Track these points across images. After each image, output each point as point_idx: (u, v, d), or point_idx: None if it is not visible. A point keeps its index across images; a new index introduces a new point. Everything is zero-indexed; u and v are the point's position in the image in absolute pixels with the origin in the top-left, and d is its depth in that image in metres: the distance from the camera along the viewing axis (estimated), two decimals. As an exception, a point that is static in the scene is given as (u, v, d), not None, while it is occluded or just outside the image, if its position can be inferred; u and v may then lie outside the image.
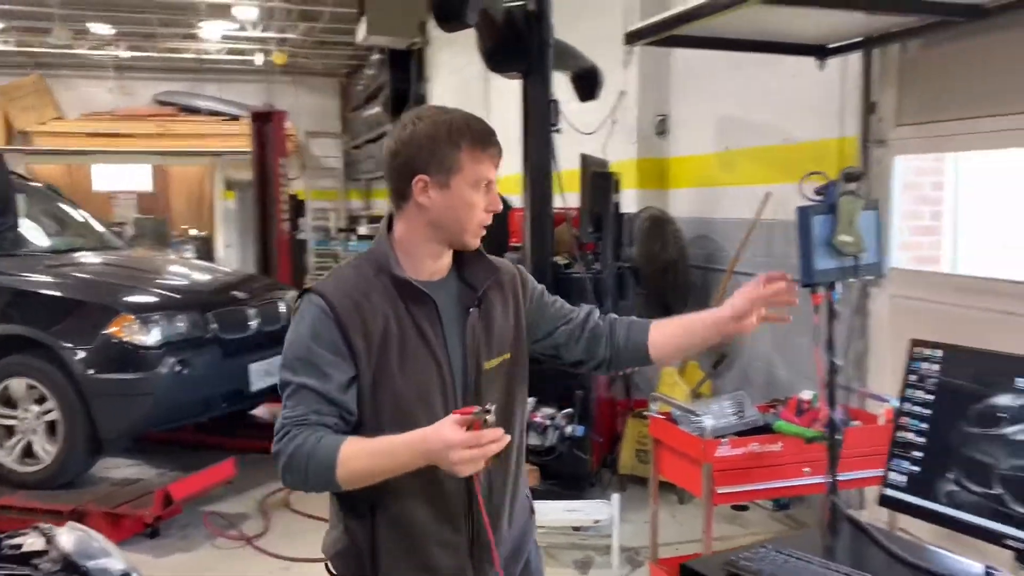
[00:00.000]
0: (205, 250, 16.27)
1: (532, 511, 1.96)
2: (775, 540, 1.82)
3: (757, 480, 3.12)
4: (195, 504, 4.78)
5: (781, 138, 4.89)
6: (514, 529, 1.85)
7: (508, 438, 1.51)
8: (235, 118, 15.30)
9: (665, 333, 1.86)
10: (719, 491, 3.11)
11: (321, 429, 1.62)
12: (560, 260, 5.25)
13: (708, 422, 3.17)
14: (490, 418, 1.48)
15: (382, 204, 15.37)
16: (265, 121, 6.91)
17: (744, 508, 4.63)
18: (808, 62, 4.21)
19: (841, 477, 3.01)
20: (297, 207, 7.70)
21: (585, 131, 6.24)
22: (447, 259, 1.78)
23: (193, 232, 16.68)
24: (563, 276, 5.09)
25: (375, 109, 13.37)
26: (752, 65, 4.84)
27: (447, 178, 1.68)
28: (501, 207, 1.77)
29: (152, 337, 4.66)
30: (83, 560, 2.30)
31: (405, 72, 11.38)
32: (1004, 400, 1.57)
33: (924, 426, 1.68)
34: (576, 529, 4.37)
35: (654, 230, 5.64)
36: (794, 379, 4.56)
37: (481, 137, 1.70)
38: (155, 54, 14.60)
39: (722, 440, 3.12)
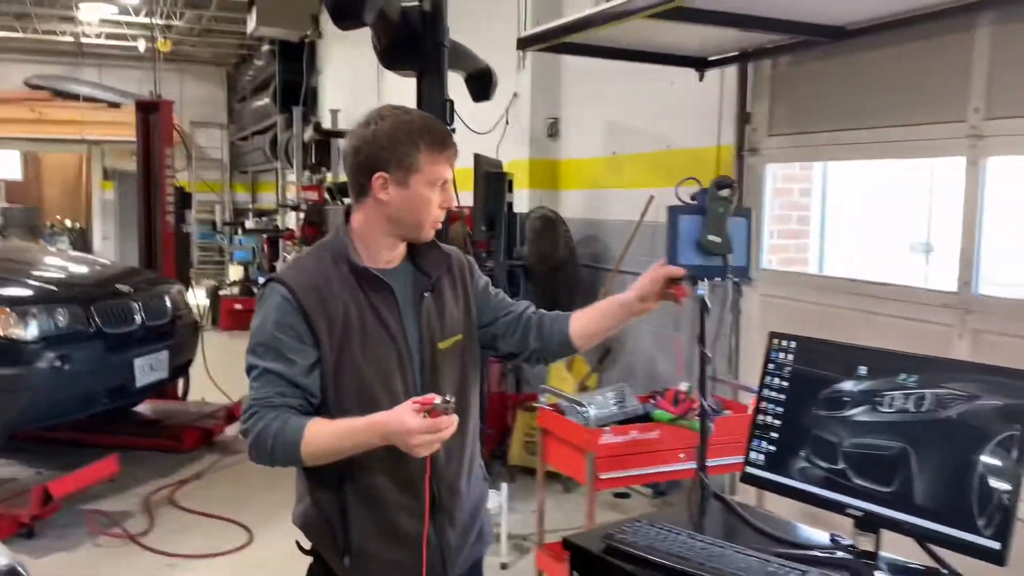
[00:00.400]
0: (81, 242, 15.57)
1: (486, 479, 2.10)
2: (649, 516, 1.98)
3: (637, 466, 3.31)
4: (76, 502, 4.64)
5: (664, 144, 5.15)
6: (472, 496, 1.99)
7: (456, 422, 1.64)
8: (115, 105, 14.70)
9: (584, 321, 2.03)
10: (602, 477, 3.29)
11: (286, 410, 1.75)
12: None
13: (592, 412, 3.34)
14: (450, 408, 1.60)
15: (269, 197, 15.07)
16: (151, 110, 6.72)
17: (625, 496, 4.86)
18: (689, 73, 4.46)
19: (713, 463, 3.23)
20: (183, 199, 7.48)
21: (479, 131, 6.36)
22: (402, 248, 1.91)
23: (68, 223, 15.94)
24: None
25: (263, 100, 13.13)
26: (638, 74, 5.07)
27: (406, 176, 1.79)
28: (455, 204, 1.93)
29: (30, 331, 4.50)
30: (-36, 556, 2.25)
31: (296, 64, 11.23)
32: (847, 386, 1.77)
33: (780, 410, 1.87)
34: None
35: (545, 230, 5.82)
36: (673, 372, 4.81)
37: (439, 139, 1.82)
38: (28, 35, 13.87)
39: (605, 429, 3.30)
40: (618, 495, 4.81)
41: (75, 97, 15.08)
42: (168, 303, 5.52)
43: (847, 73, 3.89)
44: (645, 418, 3.44)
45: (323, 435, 1.71)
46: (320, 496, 1.87)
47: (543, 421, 3.68)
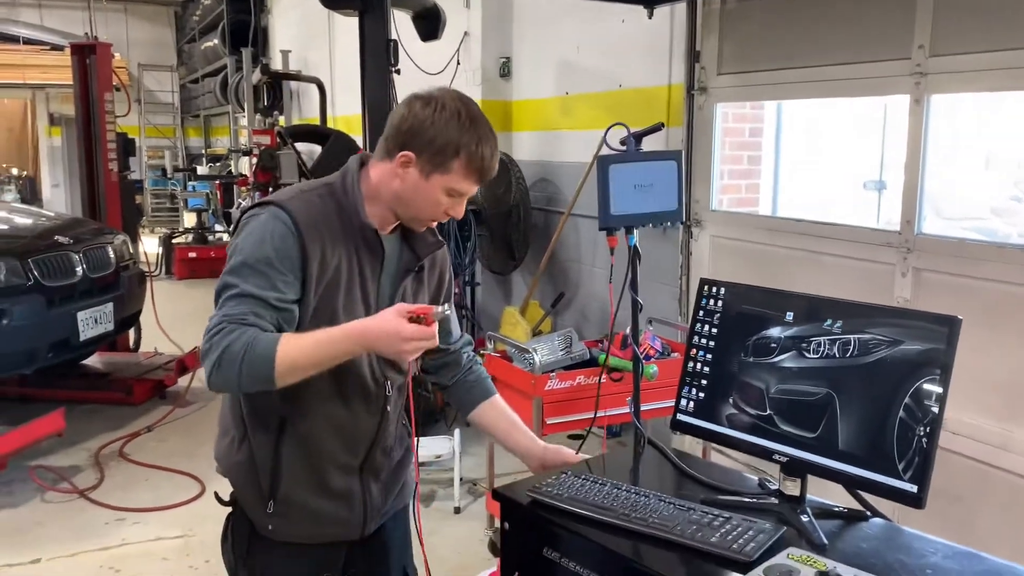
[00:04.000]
0: (29, 191, 15.18)
1: (409, 435, 2.09)
2: (578, 465, 1.97)
3: (583, 410, 3.32)
4: (23, 459, 4.57)
5: (616, 84, 5.06)
6: (397, 454, 2.02)
7: (434, 333, 1.65)
8: (59, 48, 14.16)
9: (490, 417, 2.10)
10: (548, 422, 3.29)
11: (258, 329, 1.63)
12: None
13: (538, 358, 3.33)
14: (446, 313, 1.69)
15: (223, 142, 14.72)
16: (88, 53, 6.44)
17: (580, 437, 4.88)
18: (639, 11, 4.36)
19: (657, 405, 3.27)
20: (126, 145, 7.24)
21: (429, 71, 6.22)
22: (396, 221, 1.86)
23: (14, 171, 15.49)
24: (406, 218, 5.11)
25: (212, 41, 12.74)
26: (588, 12, 4.96)
27: (431, 172, 1.74)
28: (460, 216, 1.85)
29: (-35, 286, 4.38)
30: None
31: (244, 3, 10.86)
32: (775, 332, 1.75)
33: (709, 357, 1.85)
34: (421, 464, 4.50)
35: (498, 173, 5.74)
36: (627, 317, 4.80)
37: (483, 160, 1.74)
38: (-39, -26, 13.26)
39: (551, 374, 3.29)
40: (573, 436, 4.84)
41: (16, 40, 14.52)
42: (112, 254, 5.38)
43: (795, 10, 3.82)
44: (592, 363, 3.44)
45: (300, 346, 1.62)
46: (257, 439, 1.84)
47: (490, 368, 3.65)
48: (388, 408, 1.92)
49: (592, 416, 3.37)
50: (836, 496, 1.78)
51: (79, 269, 4.99)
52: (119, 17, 14.60)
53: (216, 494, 1.96)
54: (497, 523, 3.72)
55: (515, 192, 5.67)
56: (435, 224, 1.88)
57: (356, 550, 1.98)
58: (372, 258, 1.81)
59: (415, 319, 1.62)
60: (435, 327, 1.65)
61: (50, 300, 4.77)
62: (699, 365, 1.87)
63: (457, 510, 4.14)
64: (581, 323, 5.25)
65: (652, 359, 3.42)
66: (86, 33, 6.83)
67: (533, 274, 5.58)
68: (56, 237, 5.08)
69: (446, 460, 4.33)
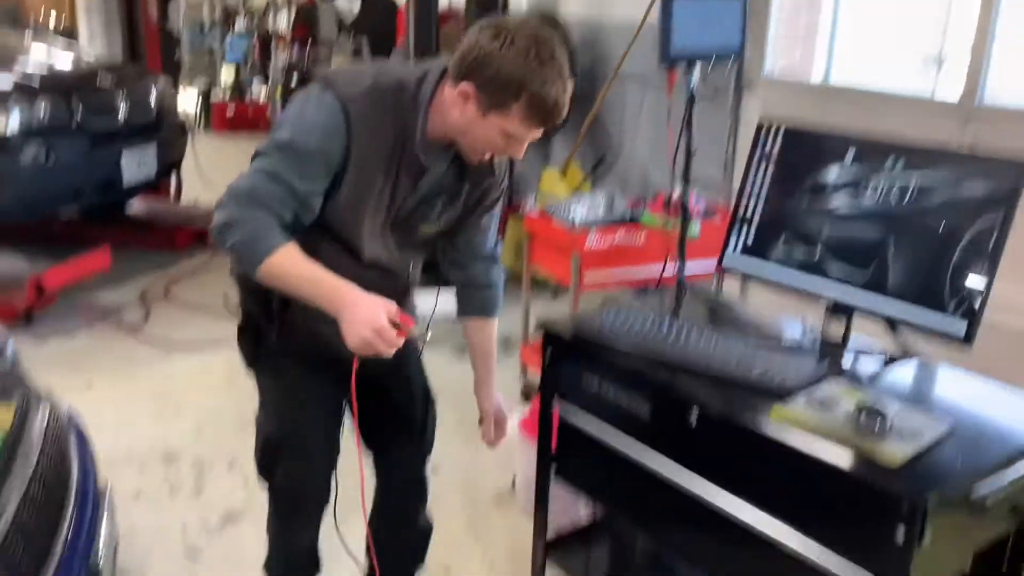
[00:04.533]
0: (66, 41, 15.02)
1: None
2: (622, 302, 2.00)
3: (622, 265, 3.33)
4: (71, 295, 4.72)
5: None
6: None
7: (398, 346, 1.64)
8: None
9: (472, 336, 2.14)
10: (587, 279, 3.32)
11: (272, 220, 1.65)
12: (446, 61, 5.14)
13: (579, 214, 3.32)
14: (415, 332, 1.66)
15: (262, -3, 14.35)
16: None
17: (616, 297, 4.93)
18: None
19: (696, 263, 3.27)
20: (165, -6, 7.11)
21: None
22: None
23: (52, 22, 15.30)
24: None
25: None
26: None
27: (488, 109, 1.64)
28: (517, 157, 1.76)
29: (11, 123, 4.39)
30: (-48, 328, 2.28)
31: None
32: (833, 173, 1.73)
33: (763, 199, 1.84)
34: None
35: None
36: (667, 180, 4.75)
37: (545, 106, 1.61)
38: None
39: (591, 230, 3.29)
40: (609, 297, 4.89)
41: None
42: (153, 98, 5.36)
43: None
44: (634, 221, 3.43)
45: (287, 270, 1.66)
46: (254, 309, 1.92)
47: (530, 225, 3.67)
48: (408, 278, 2.00)
49: (631, 274, 3.41)
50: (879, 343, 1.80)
51: (122, 110, 4.99)
52: None
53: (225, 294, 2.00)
54: (530, 372, 3.83)
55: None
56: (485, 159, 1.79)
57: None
58: (411, 174, 1.77)
59: (395, 324, 1.62)
60: (399, 340, 1.62)
61: (94, 140, 4.78)
62: (752, 206, 1.86)
63: (490, 363, 4.24)
64: (622, 187, 5.19)
65: (695, 218, 3.40)
66: None
67: (574, 137, 5.50)
68: (99, 78, 5.06)
69: (481, 316, 4.38)
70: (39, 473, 1.72)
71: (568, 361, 1.87)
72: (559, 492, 2.03)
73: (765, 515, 1.44)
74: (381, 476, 2.18)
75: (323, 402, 2.02)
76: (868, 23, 4.76)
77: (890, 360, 1.73)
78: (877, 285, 1.63)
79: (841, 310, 1.71)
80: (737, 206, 1.88)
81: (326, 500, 2.14)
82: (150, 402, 3.70)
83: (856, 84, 4.04)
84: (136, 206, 6.17)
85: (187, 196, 6.57)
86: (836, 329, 1.73)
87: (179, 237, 5.74)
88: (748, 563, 1.53)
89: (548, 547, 2.00)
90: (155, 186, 5.88)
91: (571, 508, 2.59)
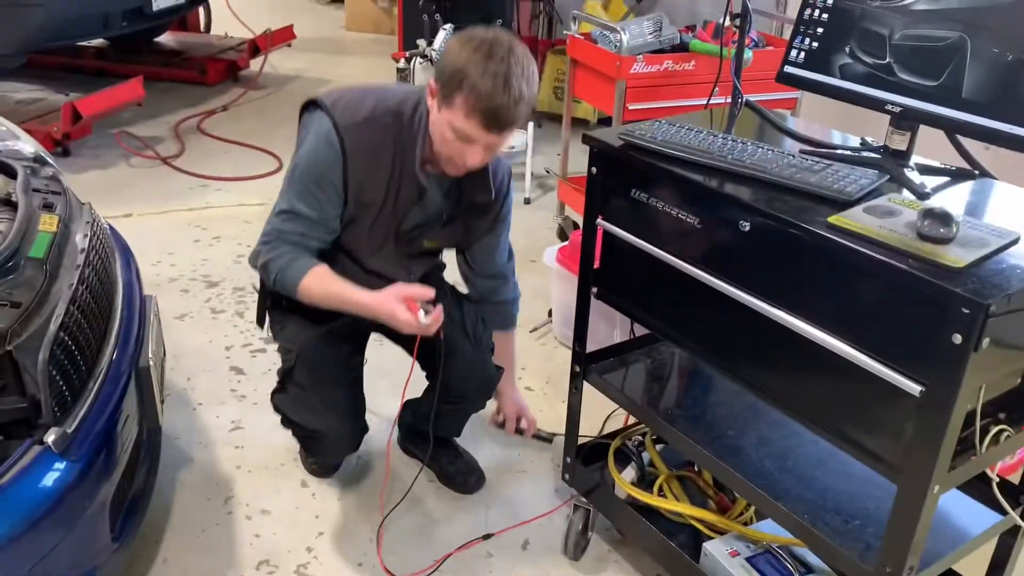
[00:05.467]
0: None
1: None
2: (671, 116, 1.91)
3: (668, 98, 3.20)
4: (106, 126, 4.69)
5: None
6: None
7: (442, 318, 1.78)
8: None
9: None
10: (630, 107, 3.20)
11: (299, 250, 1.86)
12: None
13: (625, 39, 3.16)
14: (428, 312, 1.75)
15: None
16: None
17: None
18: None
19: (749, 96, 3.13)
20: None
21: None
22: None
23: None
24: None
25: None
26: None
27: (441, 102, 1.72)
28: (470, 166, 1.78)
29: (34, -57, 4.23)
30: (-9, 143, 2.26)
31: None
32: (910, -30, 1.59)
33: (829, 2, 1.71)
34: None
35: None
36: (718, 12, 4.51)
37: (484, 102, 1.65)
38: None
39: (637, 57, 3.14)
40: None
41: None
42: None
43: None
44: (682, 48, 3.27)
45: (318, 289, 1.83)
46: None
47: (573, 50, 3.52)
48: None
49: (678, 105, 3.28)
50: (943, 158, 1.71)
51: (148, -68, 4.78)
52: None
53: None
54: (567, 210, 3.78)
55: None
56: (459, 174, 1.85)
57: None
58: (412, 194, 1.88)
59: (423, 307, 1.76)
60: (430, 321, 1.74)
61: (121, -36, 4.63)
62: (816, 11, 1.73)
63: (527, 200, 4.19)
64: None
65: (748, 32, 3.22)
66: None
67: (618, -31, 5.20)
68: None
69: (518, 153, 4.31)
70: (86, 277, 1.73)
71: (614, 175, 1.80)
72: (596, 324, 2.02)
73: (814, 327, 1.41)
74: (443, 370, 2.07)
75: (337, 333, 2.04)
76: None
77: (956, 176, 1.65)
78: (950, 94, 1.52)
79: (907, 120, 1.61)
80: (802, 10, 1.75)
81: (349, 441, 2.16)
82: (189, 231, 3.73)
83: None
84: (165, 37, 6.03)
85: (216, 28, 6.41)
86: (900, 142, 1.64)
87: (211, 69, 5.63)
88: (794, 376, 1.51)
89: (588, 361, 2.01)
90: (185, 15, 5.73)
91: (606, 337, 2.60)
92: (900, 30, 1.60)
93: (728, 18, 2.29)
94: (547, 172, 4.33)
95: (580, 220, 2.01)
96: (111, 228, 2.24)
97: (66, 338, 1.58)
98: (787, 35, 3.75)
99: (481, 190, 1.94)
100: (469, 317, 2.14)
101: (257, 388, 2.69)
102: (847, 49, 1.69)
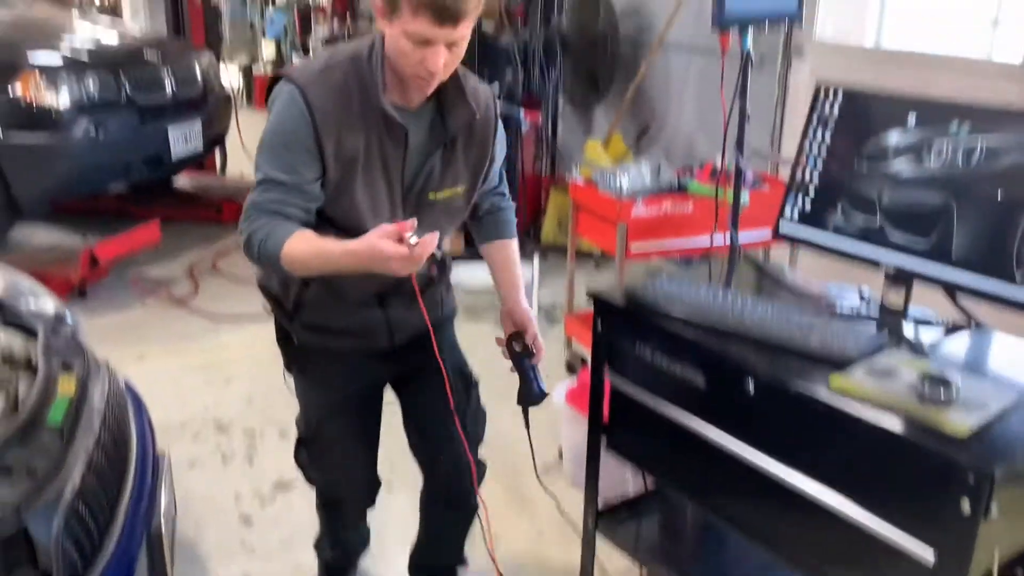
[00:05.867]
0: (110, 15, 15.18)
1: (441, 261, 2.06)
2: (673, 270, 1.97)
3: (670, 236, 3.29)
4: (122, 269, 4.81)
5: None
6: (423, 275, 1.97)
7: (435, 243, 1.59)
8: None
9: (493, 255, 2.06)
10: (633, 249, 3.29)
11: (280, 218, 1.72)
12: (487, 27, 5.11)
13: (625, 183, 3.29)
14: (412, 240, 1.56)
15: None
16: None
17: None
18: None
19: (745, 236, 3.22)
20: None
21: None
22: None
23: (96, -2, 15.45)
24: (489, 44, 4.98)
25: None
26: None
27: (391, 15, 1.63)
28: (434, 70, 1.67)
29: (61, 98, 4.46)
30: (14, 301, 2.32)
31: None
32: (894, 136, 1.68)
33: (820, 165, 1.80)
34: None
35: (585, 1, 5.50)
36: (714, 150, 4.68)
37: (431, 7, 1.57)
38: None
39: (637, 200, 3.25)
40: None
41: None
42: (198, 72, 5.40)
43: None
44: (680, 189, 3.38)
45: (303, 251, 1.69)
46: (286, 277, 1.90)
47: (575, 194, 3.64)
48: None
49: (678, 244, 3.37)
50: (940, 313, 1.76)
51: (169, 86, 5.04)
52: None
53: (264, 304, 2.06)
54: (575, 345, 3.83)
55: (603, 20, 5.43)
56: (427, 85, 1.72)
57: (395, 358, 2.02)
58: (394, 138, 1.76)
59: (405, 240, 1.56)
60: (421, 245, 1.56)
61: (142, 115, 4.85)
62: (808, 173, 1.82)
63: (535, 335, 4.24)
64: (666, 158, 5.14)
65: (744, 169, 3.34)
66: None
67: (616, 107, 5.43)
68: (146, 53, 5.11)
69: (524, 286, 4.38)
70: (102, 440, 1.76)
71: (619, 330, 1.85)
72: (607, 463, 2.03)
73: (822, 487, 1.42)
74: (427, 462, 2.17)
75: (353, 402, 2.05)
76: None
77: (953, 329, 1.69)
78: (940, 253, 1.59)
79: (901, 278, 1.67)
80: (794, 172, 1.84)
81: (364, 498, 2.20)
82: (201, 373, 3.77)
83: (909, 47, 3.93)
84: (182, 180, 6.25)
85: (231, 170, 6.64)
86: (895, 298, 1.70)
87: (226, 209, 5.80)
88: (805, 536, 1.51)
89: (599, 516, 2.00)
90: (201, 160, 5.95)
91: (619, 480, 2.59)
92: (889, 192, 1.68)
93: (723, 160, 2.39)
94: (554, 307, 4.40)
95: (588, 355, 2.03)
96: (126, 383, 2.28)
97: (81, 506, 1.59)
98: (783, 173, 3.90)
99: (462, 109, 1.81)
100: (472, 407, 2.12)
101: (266, 539, 2.67)
102: (839, 208, 1.76)
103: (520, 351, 1.94)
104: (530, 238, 5.31)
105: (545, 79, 5.24)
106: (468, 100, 1.80)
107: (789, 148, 4.31)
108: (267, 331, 4.23)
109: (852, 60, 4.04)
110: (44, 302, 2.40)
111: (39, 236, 5.06)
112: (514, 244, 2.09)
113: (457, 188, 1.89)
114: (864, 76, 3.91)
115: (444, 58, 1.65)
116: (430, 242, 1.57)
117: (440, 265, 2.03)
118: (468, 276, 4.34)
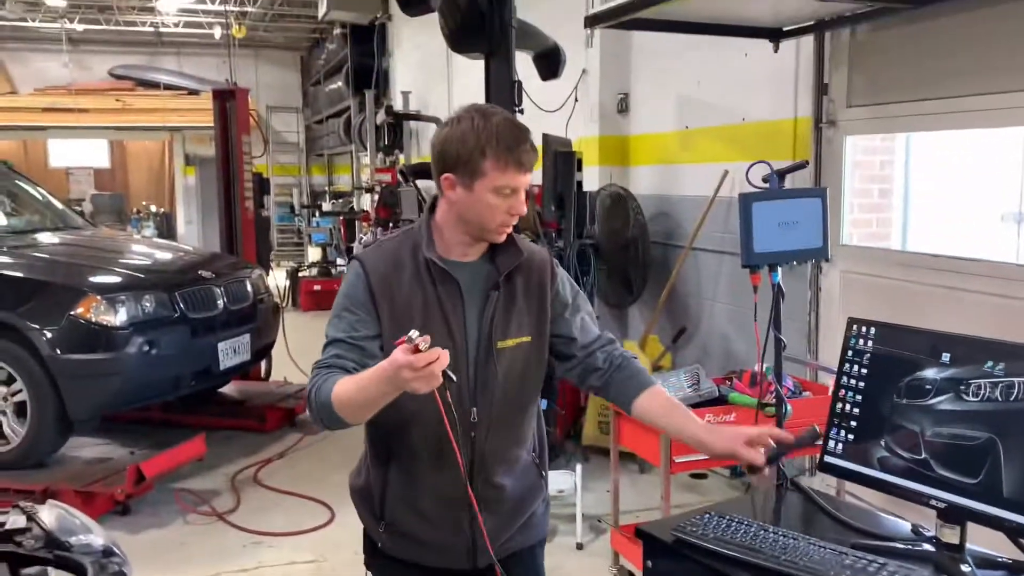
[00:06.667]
0: (166, 227, 16.12)
1: (542, 475, 2.09)
2: (720, 505, 1.96)
3: (712, 449, 3.26)
4: (166, 481, 4.85)
5: (738, 117, 5.03)
6: (517, 489, 1.99)
7: (446, 354, 1.57)
8: (195, 92, 15.10)
9: (652, 407, 1.97)
10: (676, 460, 3.26)
11: (336, 371, 1.79)
12: (523, 238, 5.34)
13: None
14: (422, 344, 1.54)
15: (345, 179, 15.33)
16: (227, 98, 6.85)
17: (703, 476, 4.82)
18: (764, 44, 4.34)
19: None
20: (261, 185, 7.65)
21: (548, 109, 6.33)
22: (482, 244, 1.92)
23: (153, 208, 16.49)
24: (527, 255, 5.18)
25: (336, 84, 13.30)
26: (710, 46, 4.96)
27: (471, 181, 1.82)
28: (524, 211, 1.88)
29: (119, 317, 4.68)
30: (65, 536, 2.34)
31: (367, 47, 11.33)
32: (930, 373, 1.71)
33: (859, 398, 1.82)
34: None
35: (615, 207, 5.77)
36: (751, 353, 4.73)
37: (508, 148, 1.79)
38: (110, 27, 14.34)
39: (679, 412, 3.26)
40: (695, 475, 4.77)
41: (156, 85, 15.57)
42: (249, 287, 5.67)
43: (928, 40, 3.72)
44: (721, 401, 3.40)
45: (346, 389, 1.71)
46: (372, 466, 2.01)
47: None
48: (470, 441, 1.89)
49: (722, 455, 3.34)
50: (996, 546, 1.71)
51: (220, 302, 5.28)
52: (249, 62, 15.45)
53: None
54: (622, 560, 3.72)
55: (633, 225, 5.67)
56: (510, 229, 1.88)
57: None
58: (447, 288, 1.87)
59: (418, 350, 1.54)
60: (428, 353, 1.53)
61: (194, 331, 5.05)
62: (848, 406, 1.84)
63: (580, 546, 4.13)
64: (703, 359, 5.19)
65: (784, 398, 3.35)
66: (226, 80, 7.27)
67: (651, 308, 5.56)
68: (200, 271, 5.39)
69: (568, 495, 4.33)
70: None
71: (669, 568, 1.82)
72: None
73: None
74: None
75: None
76: (939, 186, 4.80)
77: (1014, 569, 1.64)
78: (990, 492, 1.57)
79: (953, 518, 1.64)
80: (833, 404, 1.86)
81: None
82: (241, 595, 3.70)
83: (935, 250, 4.03)
84: (228, 388, 6.39)
85: (276, 374, 6.79)
86: (951, 535, 1.66)
87: (269, 417, 5.89)
88: None
89: None
90: (247, 369, 6.11)
91: None
92: (931, 428, 1.69)
93: (761, 365, 2.41)
94: (600, 520, 4.31)
95: (636, 572, 1.96)
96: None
97: None
98: (822, 380, 3.91)
99: (512, 249, 1.92)
100: None
101: None
102: (883, 442, 1.77)
103: (775, 452, 1.82)
104: (570, 439, 5.29)
105: (581, 285, 5.40)
106: (517, 244, 1.95)
107: (825, 350, 4.35)
108: (307, 550, 4.21)
109: (879, 262, 4.14)
110: (93, 538, 2.43)
111: (87, 449, 5.15)
112: (661, 387, 2.03)
113: (523, 337, 1.92)
114: (892, 277, 3.99)
115: (523, 201, 1.87)
116: (442, 354, 1.55)
117: (539, 456, 2.05)
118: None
